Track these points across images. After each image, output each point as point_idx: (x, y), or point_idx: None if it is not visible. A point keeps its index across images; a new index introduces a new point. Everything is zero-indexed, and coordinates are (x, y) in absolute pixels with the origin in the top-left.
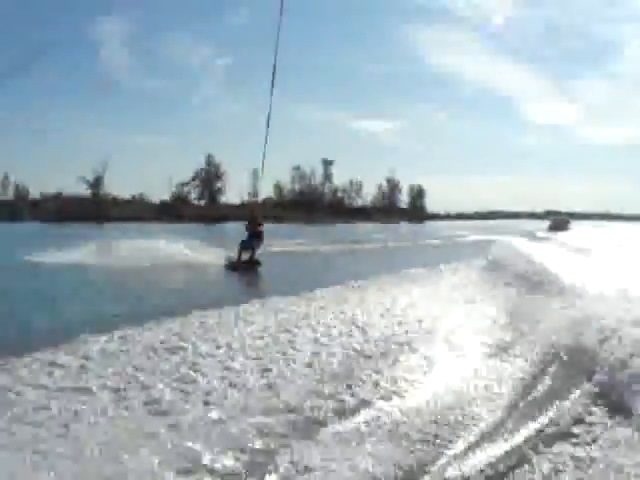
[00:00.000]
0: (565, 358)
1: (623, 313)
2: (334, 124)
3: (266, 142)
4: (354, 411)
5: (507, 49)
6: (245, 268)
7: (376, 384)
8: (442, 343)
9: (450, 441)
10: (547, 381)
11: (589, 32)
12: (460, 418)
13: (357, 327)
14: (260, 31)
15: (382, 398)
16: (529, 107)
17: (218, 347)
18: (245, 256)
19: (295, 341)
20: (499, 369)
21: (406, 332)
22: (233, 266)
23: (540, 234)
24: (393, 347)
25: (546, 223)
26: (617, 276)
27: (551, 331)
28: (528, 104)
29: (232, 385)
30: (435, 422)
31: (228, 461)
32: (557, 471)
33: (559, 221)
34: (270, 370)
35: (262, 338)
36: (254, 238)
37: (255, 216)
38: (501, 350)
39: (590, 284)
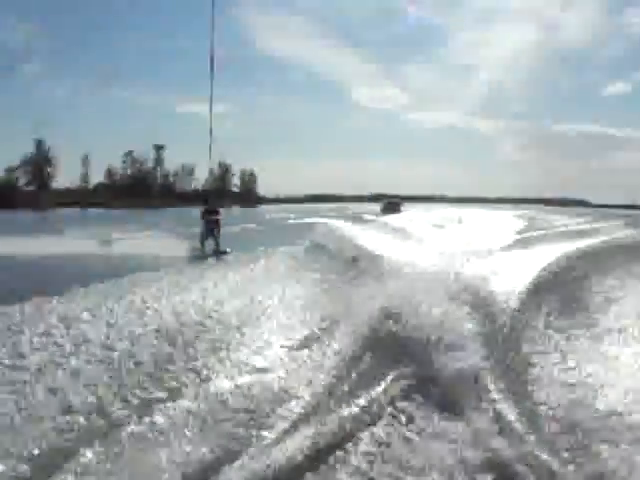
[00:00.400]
0: (379, 342)
1: (437, 294)
2: (163, 107)
3: (211, 134)
4: (157, 406)
5: (337, 33)
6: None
7: (185, 374)
8: (253, 329)
9: (260, 431)
10: (362, 365)
11: (417, 19)
12: (269, 408)
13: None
14: None
15: (191, 388)
16: (359, 91)
17: None
18: (209, 247)
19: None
20: (312, 355)
21: (216, 319)
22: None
23: (368, 217)
24: (200, 335)
25: (379, 206)
26: (433, 257)
27: (366, 314)
28: (358, 88)
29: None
30: (246, 411)
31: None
32: (372, 454)
33: (391, 204)
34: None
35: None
36: (213, 226)
37: (212, 203)
38: (315, 335)
39: (408, 265)
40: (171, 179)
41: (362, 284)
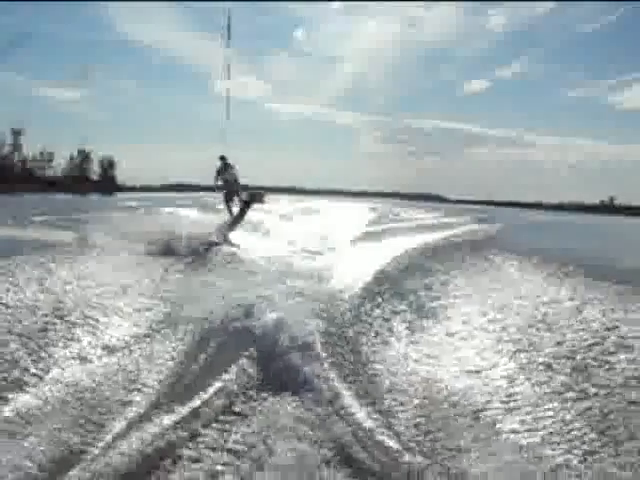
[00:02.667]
0: (224, 332)
1: (281, 285)
2: (19, 91)
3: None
4: None
5: (201, 21)
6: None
7: (26, 364)
8: (96, 318)
9: (104, 425)
10: (206, 354)
11: (273, 9)
12: (115, 397)
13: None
14: None
15: (31, 378)
16: (220, 81)
17: None
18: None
19: None
20: (158, 344)
21: (60, 308)
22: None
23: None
24: (41, 325)
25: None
26: (281, 249)
27: (211, 303)
28: (219, 78)
29: None
30: (90, 406)
31: None
32: (219, 440)
33: (254, 195)
34: None
35: None
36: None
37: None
38: (161, 324)
39: (254, 256)
40: (30, 165)
41: (208, 274)
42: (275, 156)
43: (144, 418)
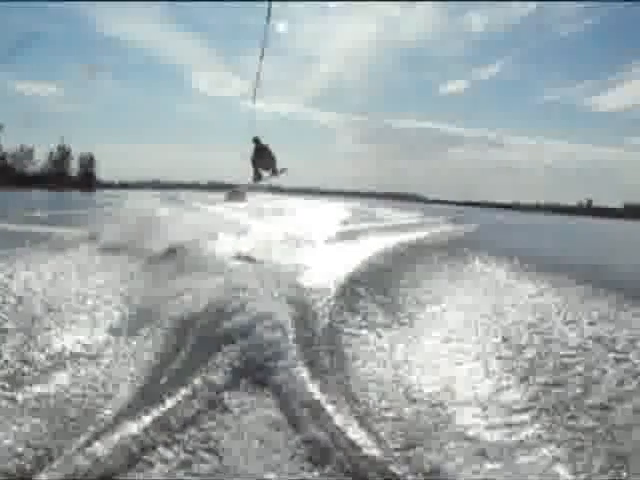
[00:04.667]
0: (197, 332)
1: (254, 284)
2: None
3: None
4: None
5: (179, 19)
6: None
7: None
8: (63, 321)
9: (79, 425)
10: (180, 356)
11: (259, 10)
12: (87, 401)
13: None
14: None
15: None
16: (198, 77)
17: None
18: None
19: None
20: (130, 347)
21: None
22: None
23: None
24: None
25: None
26: (254, 248)
27: (183, 303)
28: (198, 75)
29: None
30: (62, 403)
31: None
32: (194, 443)
33: (236, 193)
34: None
35: None
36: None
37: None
38: (133, 326)
39: (226, 256)
40: (9, 160)
41: (180, 274)
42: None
43: (113, 423)
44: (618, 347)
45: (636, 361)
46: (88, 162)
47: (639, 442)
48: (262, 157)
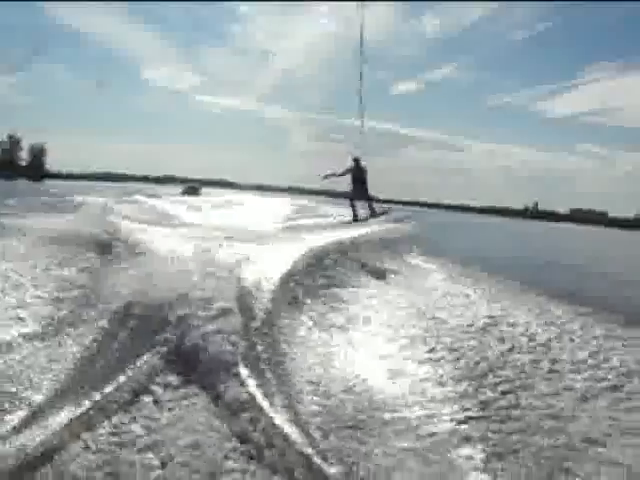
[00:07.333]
0: (133, 324)
1: (193, 277)
2: None
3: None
4: None
5: (134, 10)
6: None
7: None
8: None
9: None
10: (114, 347)
11: (217, 5)
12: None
13: None
14: None
15: None
16: (152, 70)
17: None
18: (363, 211)
19: None
20: (62, 338)
21: None
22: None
23: (140, 197)
24: None
25: (180, 188)
26: (194, 241)
27: (120, 295)
28: (152, 67)
29: None
30: None
31: None
32: (125, 437)
33: (192, 188)
34: None
35: None
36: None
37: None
38: (65, 317)
39: (165, 248)
40: None
41: (117, 265)
42: (205, 148)
43: (38, 414)
44: (542, 340)
45: (563, 357)
46: (39, 152)
47: (574, 435)
48: (360, 183)
